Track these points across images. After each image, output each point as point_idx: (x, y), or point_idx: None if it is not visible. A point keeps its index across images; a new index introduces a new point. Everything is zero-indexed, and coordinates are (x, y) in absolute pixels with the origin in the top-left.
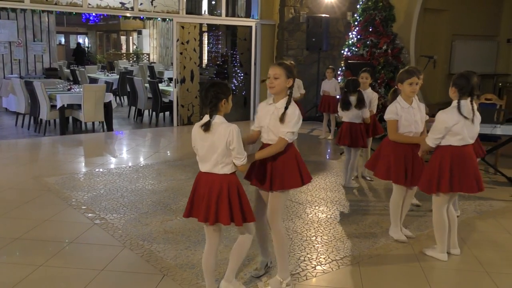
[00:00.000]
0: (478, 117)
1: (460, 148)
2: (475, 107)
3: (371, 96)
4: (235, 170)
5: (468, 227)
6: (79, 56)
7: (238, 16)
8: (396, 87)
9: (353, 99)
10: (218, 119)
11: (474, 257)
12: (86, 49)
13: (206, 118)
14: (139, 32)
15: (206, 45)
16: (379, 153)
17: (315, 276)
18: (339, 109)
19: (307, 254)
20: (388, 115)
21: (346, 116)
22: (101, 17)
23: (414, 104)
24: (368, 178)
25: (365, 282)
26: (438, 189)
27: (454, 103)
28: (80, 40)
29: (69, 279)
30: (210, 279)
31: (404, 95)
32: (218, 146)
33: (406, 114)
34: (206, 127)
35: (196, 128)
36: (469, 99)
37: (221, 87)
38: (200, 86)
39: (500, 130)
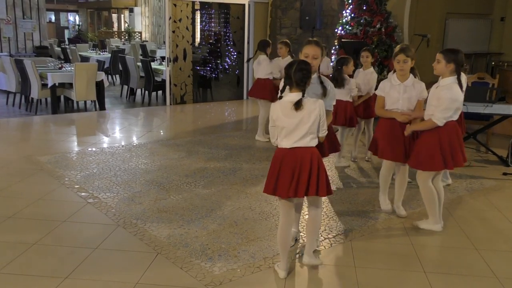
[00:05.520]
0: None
1: (452, 122)
2: (463, 78)
3: (369, 76)
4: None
5: (459, 205)
6: None
7: None
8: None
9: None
10: (299, 96)
11: (464, 235)
12: (77, 26)
13: (292, 96)
14: (131, 10)
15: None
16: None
17: None
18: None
19: (300, 232)
20: (377, 91)
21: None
22: None
23: (409, 81)
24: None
25: (357, 259)
26: (446, 166)
27: (453, 79)
28: (71, 18)
29: (62, 258)
30: (286, 254)
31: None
32: (308, 121)
33: (393, 91)
34: (298, 105)
35: (278, 106)
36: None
37: (309, 68)
38: (193, 65)
39: (492, 109)
